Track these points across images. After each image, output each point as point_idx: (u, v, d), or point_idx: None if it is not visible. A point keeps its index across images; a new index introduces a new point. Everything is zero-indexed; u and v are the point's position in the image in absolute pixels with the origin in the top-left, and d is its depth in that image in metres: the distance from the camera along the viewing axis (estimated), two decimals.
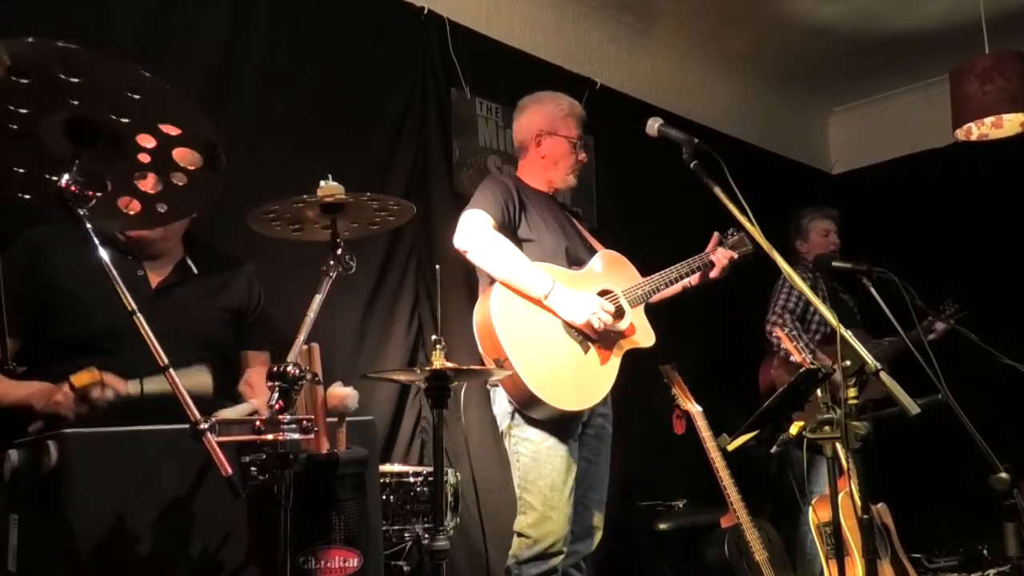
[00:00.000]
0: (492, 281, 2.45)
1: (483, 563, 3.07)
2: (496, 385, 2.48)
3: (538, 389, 2.32)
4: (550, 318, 2.43)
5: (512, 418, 2.47)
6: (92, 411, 1.74)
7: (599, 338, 2.48)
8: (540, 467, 2.42)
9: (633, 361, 2.63)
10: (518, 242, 2.52)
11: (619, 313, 2.53)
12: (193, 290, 2.11)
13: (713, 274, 2.74)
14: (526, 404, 2.39)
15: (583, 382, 2.44)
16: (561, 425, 2.44)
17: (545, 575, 2.39)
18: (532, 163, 2.74)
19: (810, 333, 3.70)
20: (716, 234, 2.81)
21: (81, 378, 1.74)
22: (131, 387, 1.79)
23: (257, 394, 1.91)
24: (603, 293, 2.55)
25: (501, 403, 2.49)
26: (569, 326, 2.44)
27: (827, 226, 3.95)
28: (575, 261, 2.62)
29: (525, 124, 2.74)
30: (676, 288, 2.73)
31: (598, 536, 2.61)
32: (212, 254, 2.21)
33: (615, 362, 2.52)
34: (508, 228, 2.51)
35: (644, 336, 2.61)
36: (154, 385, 1.79)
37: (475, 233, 2.43)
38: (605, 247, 2.77)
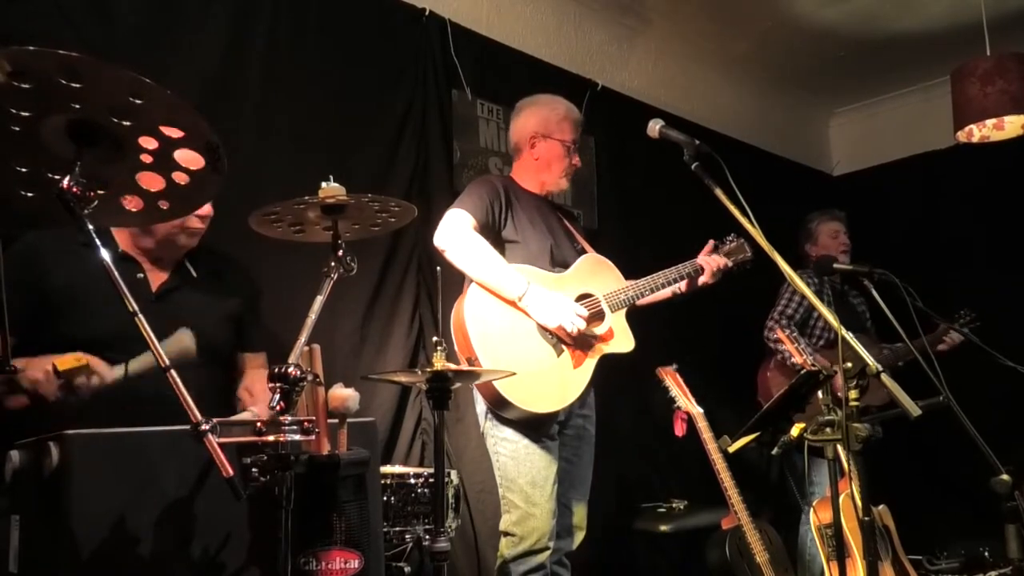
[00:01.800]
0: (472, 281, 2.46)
1: (486, 564, 3.08)
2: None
3: (505, 390, 2.32)
4: (525, 320, 2.43)
5: (487, 418, 2.48)
6: (77, 398, 1.70)
7: (574, 342, 2.47)
8: (520, 465, 2.43)
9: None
10: (502, 243, 2.53)
11: (598, 316, 2.53)
12: (192, 293, 2.11)
13: (702, 280, 2.73)
14: (496, 404, 2.40)
15: (555, 385, 2.43)
16: (534, 426, 2.44)
17: (533, 571, 2.40)
18: (526, 165, 2.75)
19: (813, 339, 3.69)
20: (711, 241, 2.81)
21: (66, 361, 1.66)
22: (116, 372, 1.73)
23: (257, 401, 1.89)
24: (584, 296, 2.54)
25: (479, 403, 2.50)
26: (544, 329, 2.44)
27: (836, 227, 3.94)
28: (561, 263, 2.61)
29: (521, 126, 2.75)
30: (666, 293, 2.73)
31: (580, 535, 2.62)
32: (211, 257, 2.20)
33: (589, 366, 2.51)
34: (492, 229, 2.52)
35: (623, 341, 2.60)
36: (138, 364, 1.74)
37: (453, 233, 2.44)
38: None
